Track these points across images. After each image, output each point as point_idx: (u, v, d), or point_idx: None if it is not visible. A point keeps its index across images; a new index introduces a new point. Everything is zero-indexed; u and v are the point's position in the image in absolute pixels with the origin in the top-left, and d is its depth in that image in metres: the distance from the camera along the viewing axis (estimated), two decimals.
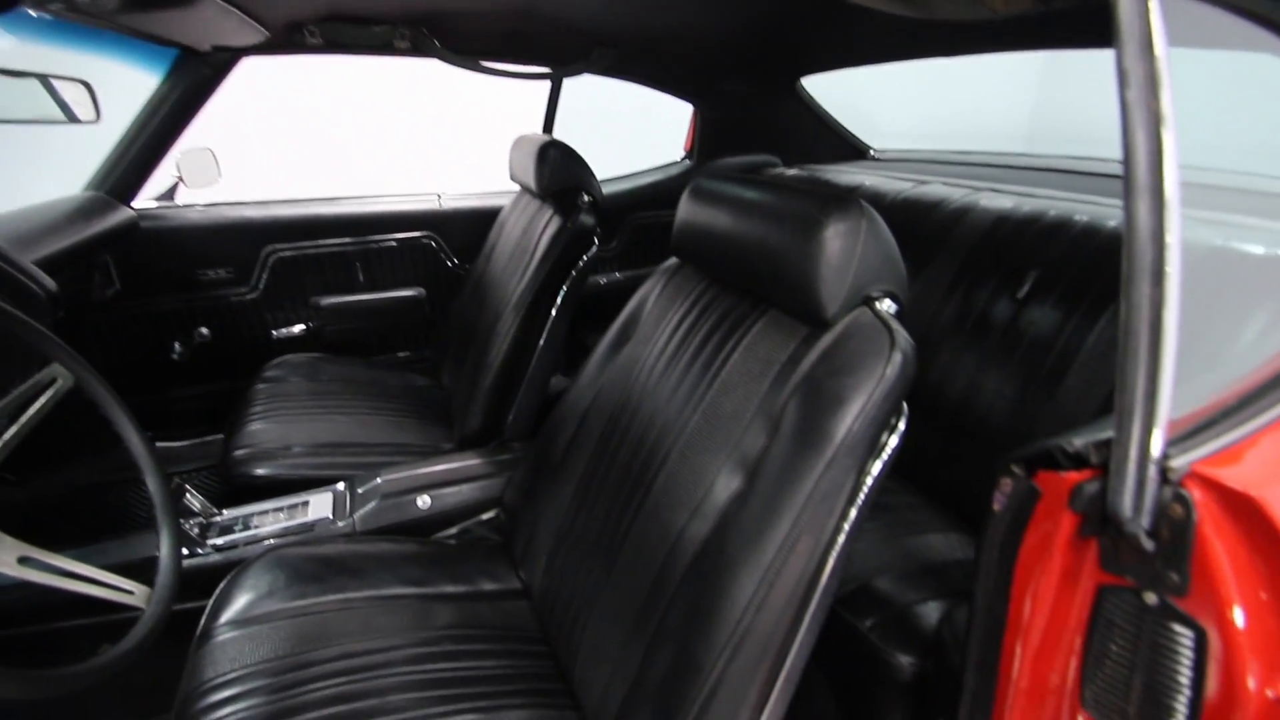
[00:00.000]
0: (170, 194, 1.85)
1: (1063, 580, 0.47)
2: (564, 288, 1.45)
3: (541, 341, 1.46)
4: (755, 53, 1.79)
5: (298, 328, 1.97)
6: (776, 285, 0.78)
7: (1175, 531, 0.42)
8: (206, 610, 0.93)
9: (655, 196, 2.28)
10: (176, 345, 1.81)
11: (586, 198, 1.51)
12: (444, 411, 1.62)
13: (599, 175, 1.58)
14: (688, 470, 0.79)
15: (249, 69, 1.62)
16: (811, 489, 0.64)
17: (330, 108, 3.33)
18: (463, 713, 0.80)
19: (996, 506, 0.51)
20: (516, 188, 1.80)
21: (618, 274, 2.33)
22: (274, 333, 1.94)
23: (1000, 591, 0.50)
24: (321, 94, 3.26)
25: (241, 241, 1.86)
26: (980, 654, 0.53)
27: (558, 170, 1.53)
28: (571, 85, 2.03)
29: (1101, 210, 1.21)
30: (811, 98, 2.16)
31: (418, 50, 1.61)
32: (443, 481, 1.26)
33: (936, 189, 1.54)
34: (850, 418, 0.64)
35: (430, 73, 1.85)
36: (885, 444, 0.66)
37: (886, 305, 0.72)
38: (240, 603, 0.92)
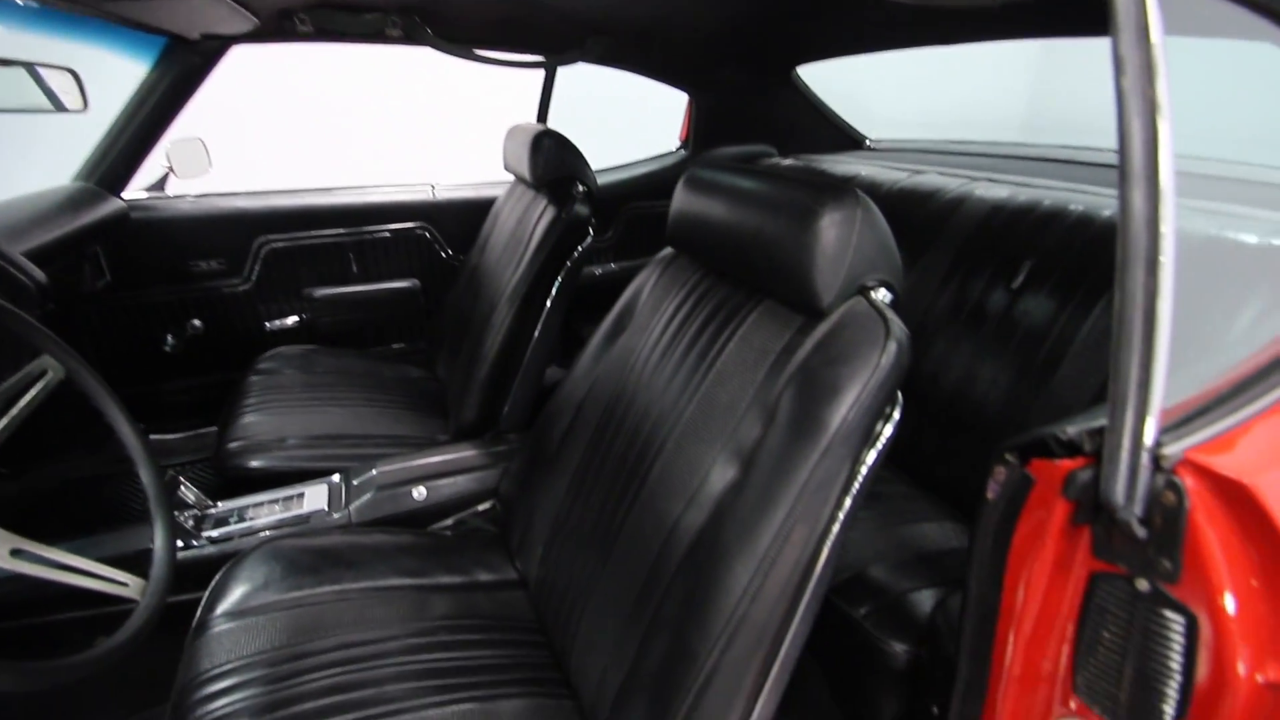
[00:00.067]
0: (161, 184, 1.83)
1: (1056, 567, 0.48)
2: (559, 278, 1.45)
3: (536, 332, 1.45)
4: (751, 41, 1.78)
5: (291, 319, 1.95)
6: (772, 275, 0.78)
7: (1167, 519, 0.42)
8: (202, 602, 0.93)
9: (650, 186, 2.27)
10: (169, 337, 1.80)
11: (581, 188, 1.50)
12: (439, 403, 1.62)
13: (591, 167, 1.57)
14: (683, 460, 0.79)
15: (239, 57, 1.60)
16: (806, 478, 0.64)
17: (320, 98, 3.30)
18: (460, 702, 0.80)
19: (990, 495, 0.51)
20: (511, 178, 1.79)
21: (613, 264, 2.32)
22: (267, 324, 1.93)
23: (994, 579, 0.51)
24: (311, 84, 3.23)
25: (233, 232, 1.84)
26: (974, 641, 0.53)
27: (552, 160, 1.52)
28: (564, 76, 2.02)
29: (1096, 200, 1.21)
30: (807, 87, 2.15)
31: (410, 38, 1.59)
32: (438, 473, 1.25)
33: (932, 179, 1.53)
34: (845, 407, 0.64)
35: (422, 63, 1.84)
36: (880, 433, 0.66)
37: (882, 295, 0.72)
38: (236, 594, 0.92)
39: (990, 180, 1.44)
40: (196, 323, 1.83)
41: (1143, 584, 0.44)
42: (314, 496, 1.22)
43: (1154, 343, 0.41)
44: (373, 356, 1.87)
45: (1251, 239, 0.94)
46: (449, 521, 1.24)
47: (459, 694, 0.81)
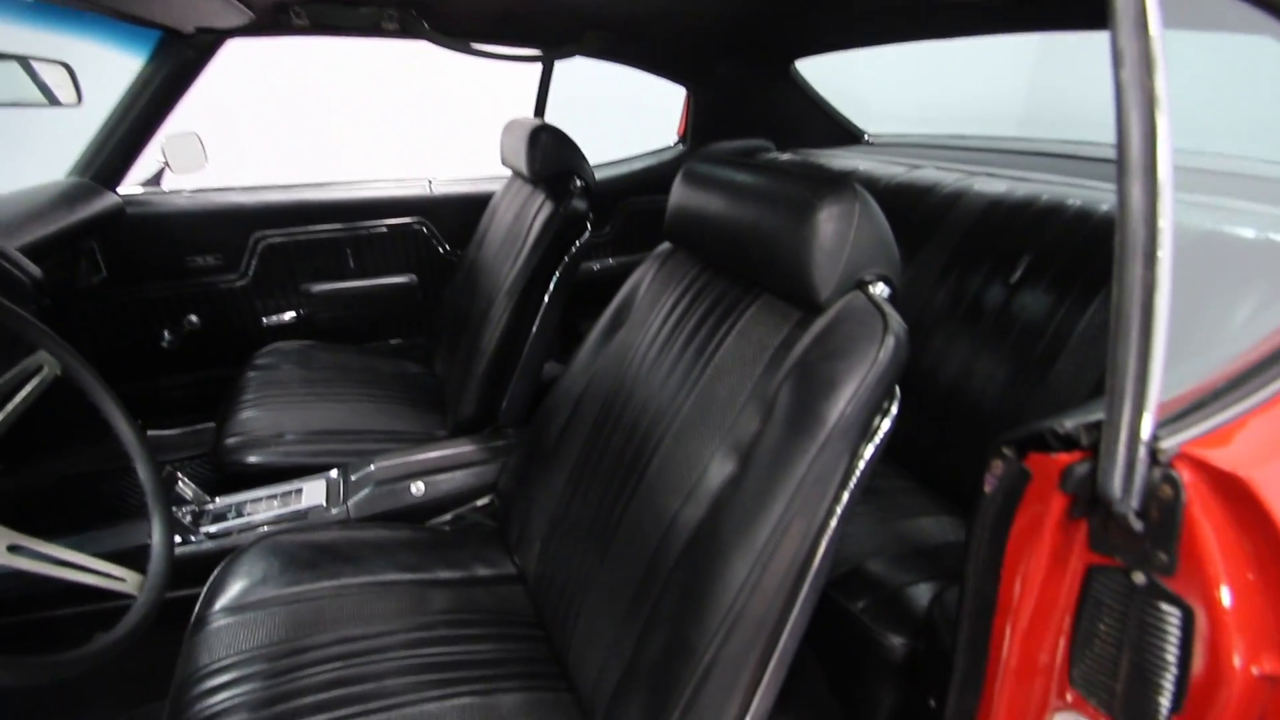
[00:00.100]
0: (156, 179, 1.82)
1: (1052, 561, 0.48)
2: (557, 273, 1.44)
3: (534, 328, 1.45)
4: (749, 35, 1.77)
5: (288, 315, 1.95)
6: (770, 269, 0.77)
7: (1164, 512, 0.42)
8: (201, 597, 0.93)
9: (648, 181, 2.26)
10: (166, 333, 1.80)
11: (579, 182, 1.49)
12: (437, 398, 1.62)
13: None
14: (681, 455, 0.79)
15: (235, 52, 1.59)
16: (804, 473, 0.64)
17: (313, 93, 3.28)
18: (459, 696, 0.80)
19: (987, 488, 0.51)
20: (508, 173, 1.78)
21: (611, 260, 2.31)
22: (264, 320, 1.93)
23: (990, 572, 0.51)
24: (303, 79, 3.22)
25: (230, 228, 1.84)
26: (970, 634, 0.53)
27: (549, 154, 1.51)
28: (559, 75, 2.01)
29: (1095, 194, 1.21)
30: (805, 81, 2.14)
31: (406, 32, 1.58)
32: (437, 468, 1.25)
33: (930, 173, 1.53)
34: (843, 402, 0.64)
35: (419, 59, 1.83)
36: (878, 428, 0.66)
37: (880, 289, 0.72)
38: (235, 589, 0.92)
39: (988, 175, 1.44)
40: (193, 318, 1.82)
41: (1139, 577, 0.44)
42: (312, 492, 1.22)
43: (1151, 336, 0.41)
44: (370, 352, 1.87)
45: (1249, 234, 0.94)
46: (447, 517, 1.25)
47: (458, 688, 0.81)
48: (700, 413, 0.80)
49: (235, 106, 2.77)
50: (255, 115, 3.09)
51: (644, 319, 0.96)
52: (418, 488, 1.22)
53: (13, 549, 0.78)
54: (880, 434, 0.67)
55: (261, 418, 1.42)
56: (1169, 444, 0.43)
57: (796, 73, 2.10)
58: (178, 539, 1.10)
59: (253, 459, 1.33)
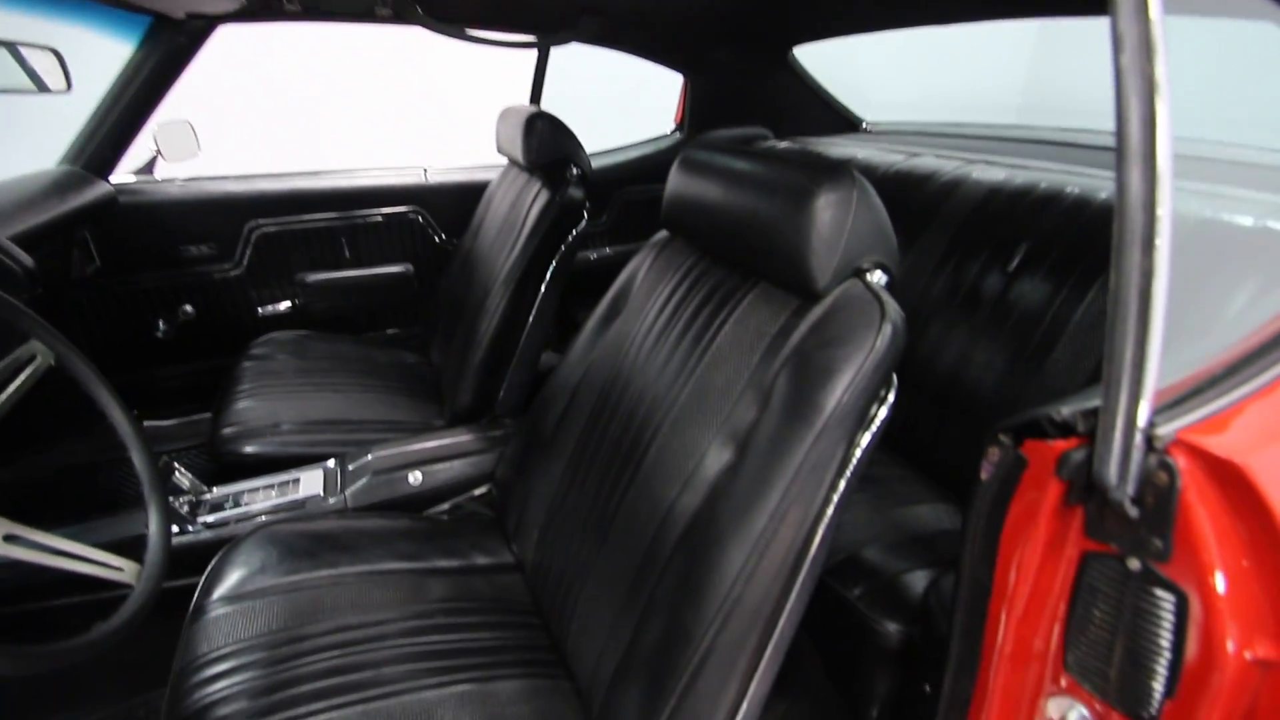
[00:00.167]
0: (149, 168, 1.80)
1: (1048, 547, 0.48)
2: (553, 262, 1.44)
3: (531, 317, 1.45)
4: (747, 21, 1.76)
5: (284, 304, 1.94)
6: (767, 257, 0.77)
7: (1159, 498, 0.42)
8: (199, 586, 0.93)
9: (645, 170, 2.25)
10: (160, 323, 1.79)
11: (575, 170, 1.48)
12: (434, 388, 1.62)
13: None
14: (678, 444, 0.79)
15: (227, 37, 1.57)
16: (801, 461, 0.64)
17: (301, 84, 3.24)
18: (458, 683, 0.81)
19: (984, 475, 0.52)
20: (504, 161, 1.77)
21: (608, 249, 2.31)
22: (260, 310, 1.92)
23: (986, 559, 0.51)
24: (291, 69, 3.18)
25: (224, 217, 1.82)
26: (966, 620, 0.53)
27: (545, 142, 1.50)
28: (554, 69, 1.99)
29: (1093, 182, 1.21)
30: (804, 68, 2.12)
31: (400, 17, 1.57)
32: (434, 458, 1.25)
33: (929, 161, 1.53)
34: (840, 389, 0.64)
35: (414, 48, 1.81)
36: (875, 416, 0.66)
37: (877, 277, 0.72)
38: (233, 579, 0.92)
39: (987, 163, 1.44)
40: (188, 308, 1.81)
41: (1134, 563, 0.44)
42: (309, 482, 1.22)
43: (1149, 323, 0.41)
44: (367, 342, 1.86)
45: (1246, 221, 0.94)
46: (445, 506, 1.25)
47: (457, 675, 0.82)
48: (697, 401, 0.79)
49: (225, 95, 2.73)
50: (242, 104, 3.06)
51: (641, 308, 0.96)
52: (415, 477, 1.22)
53: (9, 539, 0.78)
54: (877, 422, 0.67)
55: (258, 408, 1.42)
56: (1165, 430, 0.43)
57: (795, 60, 2.09)
58: (175, 529, 1.10)
59: (249, 449, 1.32)
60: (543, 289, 1.44)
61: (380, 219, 1.98)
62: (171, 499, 1.12)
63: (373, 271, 2.00)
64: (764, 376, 0.73)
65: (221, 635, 0.84)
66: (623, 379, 0.93)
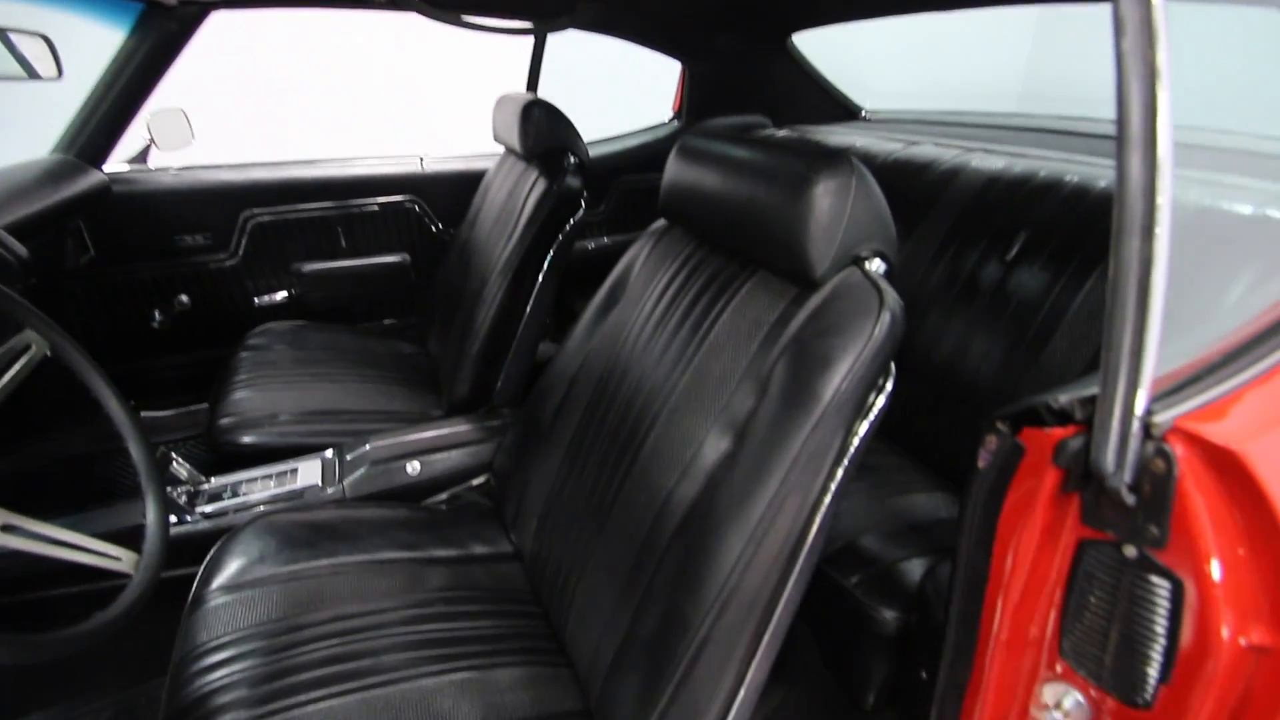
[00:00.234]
0: (142, 156, 1.79)
1: (1044, 535, 0.48)
2: (551, 252, 1.43)
3: (529, 307, 1.44)
4: (746, 7, 1.74)
5: (280, 295, 1.93)
6: (765, 245, 0.77)
7: (1156, 486, 0.42)
8: (198, 576, 0.93)
9: (643, 158, 2.24)
10: (156, 313, 1.78)
11: (573, 159, 1.47)
12: (432, 378, 1.61)
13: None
14: (676, 432, 0.79)
15: (221, 23, 1.55)
16: (799, 449, 0.64)
17: (286, 71, 3.21)
18: (457, 670, 0.81)
19: (981, 463, 0.52)
20: (501, 149, 1.76)
21: (605, 239, 2.30)
22: (256, 300, 1.91)
23: (983, 547, 0.51)
24: (282, 58, 3.15)
25: (219, 206, 1.81)
26: (962, 608, 0.54)
27: (542, 130, 1.49)
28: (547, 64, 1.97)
29: (1092, 170, 1.21)
30: (803, 56, 2.11)
31: (395, 3, 1.55)
32: (432, 448, 1.25)
33: (928, 150, 1.52)
34: (838, 378, 0.64)
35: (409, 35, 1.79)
36: (872, 404, 0.66)
37: (876, 265, 0.71)
38: (232, 568, 0.92)
39: (986, 151, 1.43)
40: (184, 298, 1.80)
41: (1130, 550, 0.44)
42: (308, 472, 1.22)
43: (1147, 311, 0.41)
44: (363, 332, 1.86)
45: (1245, 209, 0.94)
46: (443, 496, 1.25)
47: (456, 663, 0.82)
48: (695, 390, 0.79)
49: (206, 85, 2.70)
50: (221, 94, 3.02)
51: (638, 297, 0.96)
52: (413, 467, 1.22)
53: (7, 529, 0.77)
54: (875, 411, 0.66)
55: (255, 398, 1.42)
56: (1163, 418, 0.43)
57: (794, 47, 2.07)
58: (174, 519, 1.11)
59: (247, 439, 1.32)
60: (540, 278, 1.43)
61: (376, 208, 1.96)
62: (169, 489, 1.12)
63: (369, 261, 1.99)
64: (762, 365, 0.73)
65: (221, 624, 0.84)
66: (620, 368, 0.92)
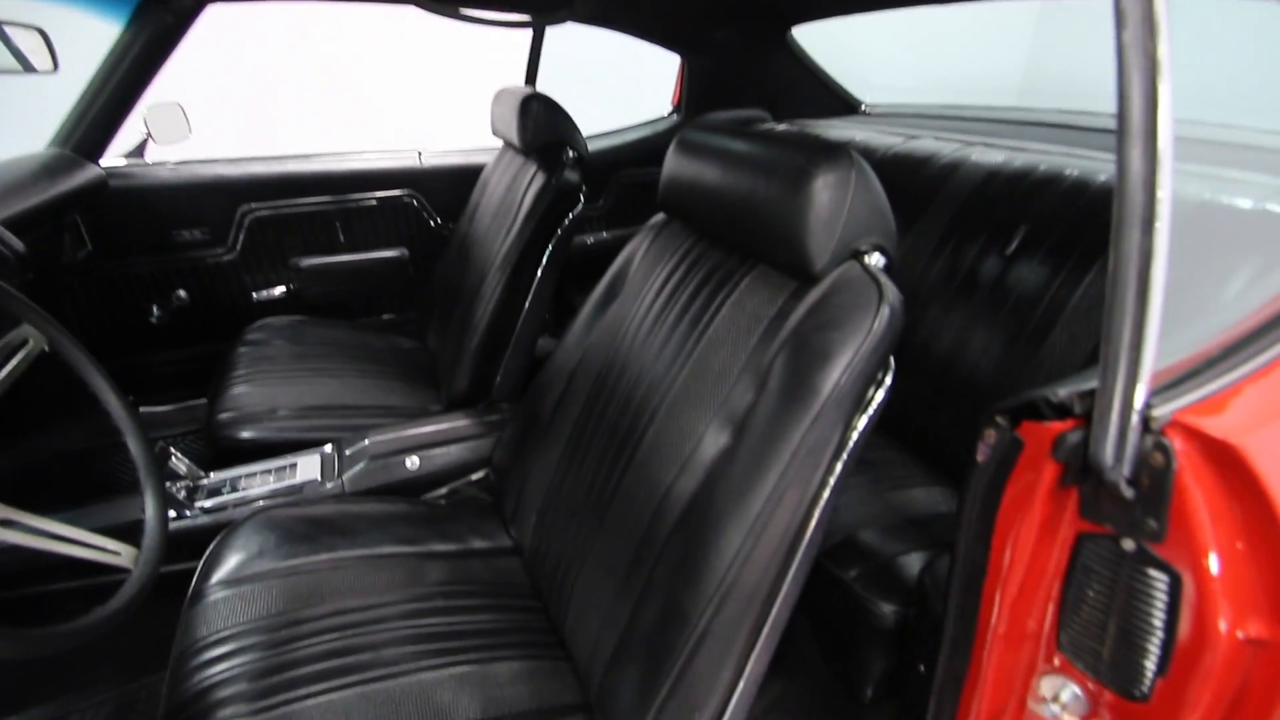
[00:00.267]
0: (140, 151, 1.78)
1: (1043, 529, 0.48)
2: (550, 246, 1.43)
3: (528, 302, 1.44)
4: (745, 0, 1.73)
5: (278, 290, 1.93)
6: (764, 239, 0.77)
7: (1155, 479, 0.42)
8: (197, 571, 0.93)
9: (642, 153, 2.23)
10: (154, 308, 1.78)
11: (571, 153, 1.47)
12: (431, 373, 1.61)
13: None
14: (675, 427, 0.79)
15: (216, 16, 1.54)
16: (798, 444, 0.64)
17: (280, 65, 3.19)
18: (456, 664, 0.81)
19: (980, 457, 0.52)
20: (499, 143, 1.75)
21: (605, 233, 2.29)
22: (254, 295, 1.90)
23: (981, 540, 0.51)
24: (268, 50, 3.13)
25: (216, 201, 1.80)
26: (961, 601, 0.54)
27: (541, 124, 1.48)
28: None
29: (1092, 164, 1.20)
30: (802, 49, 2.10)
31: None
32: (431, 442, 1.25)
33: (927, 144, 1.51)
34: (837, 372, 0.64)
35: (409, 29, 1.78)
36: (872, 399, 0.66)
37: (875, 259, 0.71)
38: (231, 563, 0.92)
39: (986, 145, 1.43)
40: (182, 293, 1.80)
41: (1128, 544, 0.44)
42: (307, 466, 1.22)
43: (1147, 304, 0.41)
44: (362, 327, 1.85)
45: (1245, 203, 0.94)
46: (442, 491, 1.25)
47: (455, 657, 0.82)
48: (694, 384, 0.79)
49: (214, 78, 2.69)
50: (215, 89, 3.00)
51: (638, 291, 0.96)
52: (412, 462, 1.22)
53: (5, 524, 0.77)
54: (874, 405, 0.66)
55: (254, 393, 1.42)
56: (1162, 412, 0.43)
57: (793, 40, 2.06)
58: (173, 514, 1.11)
59: (246, 434, 1.32)
60: (539, 273, 1.43)
61: (374, 202, 1.96)
62: (168, 484, 1.12)
63: (367, 256, 1.99)
64: (761, 359, 0.73)
65: (220, 619, 0.84)
66: (620, 363, 0.92)
